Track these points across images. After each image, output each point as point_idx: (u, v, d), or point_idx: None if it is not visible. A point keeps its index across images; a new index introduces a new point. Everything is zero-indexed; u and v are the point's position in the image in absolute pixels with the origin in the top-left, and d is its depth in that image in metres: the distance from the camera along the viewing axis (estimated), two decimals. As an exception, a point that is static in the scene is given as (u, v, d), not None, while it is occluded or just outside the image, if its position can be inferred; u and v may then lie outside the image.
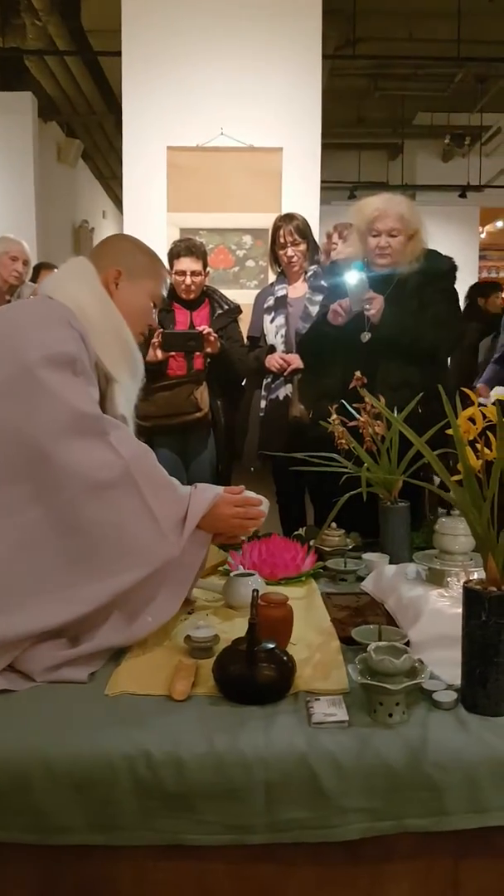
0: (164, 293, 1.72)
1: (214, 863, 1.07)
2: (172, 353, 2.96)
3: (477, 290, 5.40)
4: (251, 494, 1.56)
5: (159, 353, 2.90)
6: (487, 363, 3.92)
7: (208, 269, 3.15)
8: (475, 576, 1.22)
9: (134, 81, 3.86)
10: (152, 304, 1.66)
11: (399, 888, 1.08)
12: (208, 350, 2.91)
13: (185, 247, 3.04)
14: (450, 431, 1.21)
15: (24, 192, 6.45)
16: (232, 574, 1.68)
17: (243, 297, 3.44)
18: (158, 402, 2.93)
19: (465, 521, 1.26)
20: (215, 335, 2.90)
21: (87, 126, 8.10)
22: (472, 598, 1.14)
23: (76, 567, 1.32)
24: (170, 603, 1.40)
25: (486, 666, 1.14)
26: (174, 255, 3.04)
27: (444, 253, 2.54)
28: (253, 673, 1.18)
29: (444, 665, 1.25)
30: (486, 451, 1.18)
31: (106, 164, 9.58)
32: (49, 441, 1.31)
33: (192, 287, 3.05)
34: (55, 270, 1.74)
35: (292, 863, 1.08)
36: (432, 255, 2.49)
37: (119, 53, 3.92)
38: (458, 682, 1.20)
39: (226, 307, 3.12)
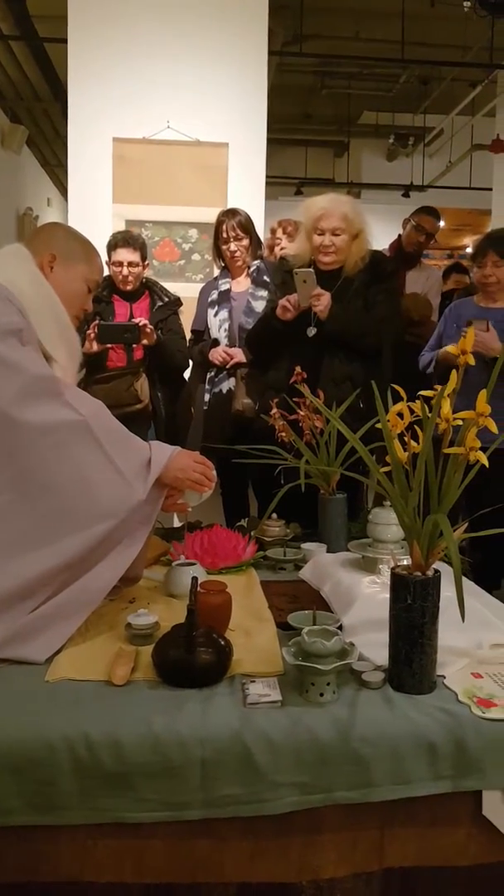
0: (99, 279, 1.77)
1: (152, 839, 1.11)
2: (110, 346, 2.97)
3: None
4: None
5: (95, 346, 2.90)
6: None
7: (147, 261, 3.17)
8: (403, 562, 1.28)
9: (80, 71, 3.83)
10: (87, 289, 1.71)
11: (327, 857, 1.13)
12: (144, 342, 2.93)
13: (122, 238, 3.06)
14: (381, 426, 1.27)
15: (-34, 178, 6.32)
16: (174, 564, 1.72)
17: (189, 290, 3.46)
18: (98, 394, 2.92)
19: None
20: (151, 327, 2.93)
21: (32, 112, 7.95)
22: (398, 582, 1.21)
23: (48, 525, 1.37)
24: (124, 556, 1.45)
25: (411, 647, 1.20)
26: (111, 246, 3.05)
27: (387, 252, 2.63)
28: (191, 657, 1.22)
29: (375, 647, 1.31)
30: (413, 444, 1.24)
31: (51, 151, 9.42)
32: (8, 406, 1.36)
33: (130, 278, 3.06)
34: None
35: (227, 837, 1.12)
36: (376, 255, 2.58)
37: (65, 40, 3.88)
38: (387, 662, 1.26)
39: (166, 299, 3.14)
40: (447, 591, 1.21)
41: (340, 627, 1.40)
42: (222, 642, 1.27)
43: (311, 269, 2.43)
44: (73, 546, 1.37)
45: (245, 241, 2.97)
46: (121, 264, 3.04)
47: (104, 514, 1.39)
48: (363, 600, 1.48)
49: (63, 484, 1.38)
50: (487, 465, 1.19)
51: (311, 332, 2.48)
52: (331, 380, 2.41)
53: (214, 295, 3.02)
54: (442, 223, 11.30)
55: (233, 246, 2.96)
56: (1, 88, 7.09)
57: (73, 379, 1.67)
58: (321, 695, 1.18)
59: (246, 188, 3.87)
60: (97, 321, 2.91)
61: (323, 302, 2.43)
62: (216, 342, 2.96)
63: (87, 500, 1.39)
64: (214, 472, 1.63)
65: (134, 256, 3.04)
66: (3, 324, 1.43)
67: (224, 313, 2.95)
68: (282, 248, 3.32)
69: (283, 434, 2.07)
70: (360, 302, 2.51)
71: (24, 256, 1.62)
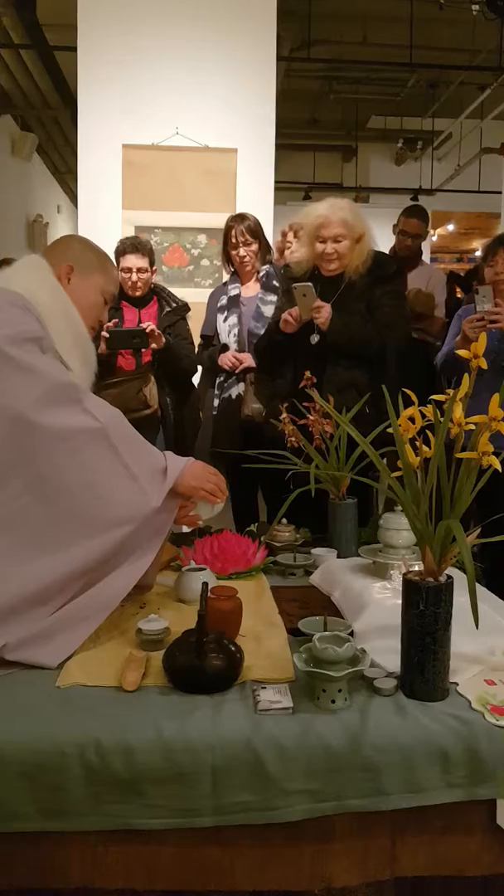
0: (114, 290, 1.78)
1: (163, 846, 1.11)
2: (120, 351, 2.99)
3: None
4: None
5: (102, 346, 2.91)
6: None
7: (156, 266, 3.18)
8: (415, 568, 1.27)
9: (89, 78, 3.86)
10: (104, 300, 1.72)
11: (339, 866, 1.12)
12: (153, 346, 2.94)
13: (131, 244, 3.07)
14: (391, 430, 1.26)
15: (-24, 186, 6.37)
16: (184, 569, 1.71)
17: (198, 295, 3.47)
18: (106, 399, 2.91)
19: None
20: (159, 331, 2.94)
21: (42, 120, 7.99)
22: (410, 588, 1.20)
23: (64, 529, 1.38)
24: (137, 566, 1.45)
25: (423, 653, 1.19)
26: (120, 252, 3.06)
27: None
28: (202, 663, 1.22)
29: (386, 653, 1.30)
30: (425, 448, 1.23)
31: (61, 158, 9.46)
32: (29, 412, 1.37)
33: (139, 284, 3.07)
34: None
35: (238, 844, 1.11)
36: (379, 256, 2.55)
37: (75, 48, 3.91)
38: (398, 669, 1.25)
39: (174, 305, 3.15)
40: (459, 597, 1.20)
41: (352, 633, 1.39)
42: (233, 648, 1.27)
43: (309, 284, 2.42)
44: (88, 551, 1.38)
45: (254, 247, 2.97)
46: (129, 270, 3.05)
47: (119, 520, 1.40)
48: (374, 606, 1.47)
49: (79, 489, 1.39)
50: (501, 470, 1.18)
51: (315, 339, 2.48)
52: (334, 387, 2.39)
53: (224, 300, 3.02)
54: (451, 227, 11.24)
55: (242, 251, 2.96)
56: (11, 96, 7.13)
57: (86, 388, 1.68)
58: (333, 701, 1.17)
59: (254, 193, 3.89)
60: (114, 321, 2.93)
61: (323, 314, 2.42)
62: (225, 347, 2.96)
63: (103, 505, 1.39)
64: (226, 485, 1.63)
65: (142, 262, 3.06)
66: (23, 331, 1.44)
67: (233, 318, 2.96)
68: (292, 252, 3.32)
69: (293, 439, 2.06)
70: (362, 305, 2.49)
71: (43, 267, 1.64)
